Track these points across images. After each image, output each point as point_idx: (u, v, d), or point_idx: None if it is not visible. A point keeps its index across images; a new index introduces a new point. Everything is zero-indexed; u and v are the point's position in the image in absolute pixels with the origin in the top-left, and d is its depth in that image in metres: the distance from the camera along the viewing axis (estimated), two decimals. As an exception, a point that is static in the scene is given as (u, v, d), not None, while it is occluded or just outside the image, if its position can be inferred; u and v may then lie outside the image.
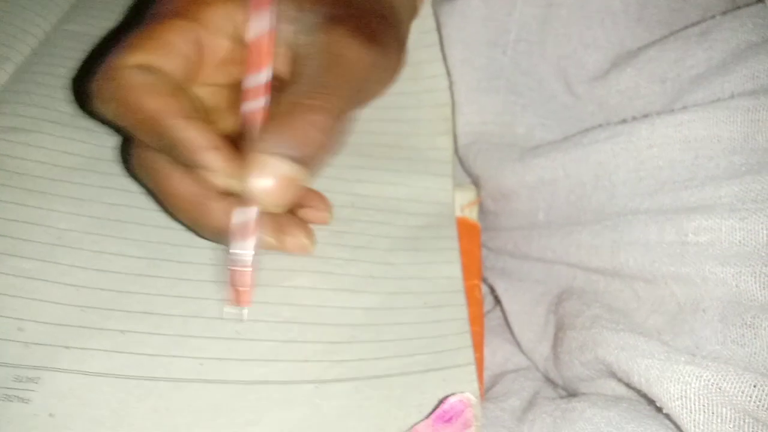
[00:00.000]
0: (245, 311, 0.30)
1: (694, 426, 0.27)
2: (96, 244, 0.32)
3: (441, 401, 0.28)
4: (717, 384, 0.27)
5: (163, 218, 0.34)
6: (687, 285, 0.31)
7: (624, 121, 0.35)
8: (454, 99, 0.42)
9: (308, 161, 0.28)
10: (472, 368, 0.30)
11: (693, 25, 0.36)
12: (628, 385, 0.31)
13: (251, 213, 0.29)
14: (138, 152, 0.31)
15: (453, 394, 0.28)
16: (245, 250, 0.29)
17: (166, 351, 0.29)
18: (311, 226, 0.35)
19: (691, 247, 0.30)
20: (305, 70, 0.30)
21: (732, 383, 0.27)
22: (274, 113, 0.29)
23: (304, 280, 0.33)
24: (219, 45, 0.31)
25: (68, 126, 0.37)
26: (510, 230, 0.41)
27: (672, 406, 0.28)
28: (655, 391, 0.28)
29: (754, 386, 0.27)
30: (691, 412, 0.28)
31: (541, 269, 0.38)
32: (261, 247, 0.31)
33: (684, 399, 0.28)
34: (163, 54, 0.29)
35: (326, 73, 0.29)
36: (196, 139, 0.28)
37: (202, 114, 0.30)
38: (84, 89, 0.30)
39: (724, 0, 0.37)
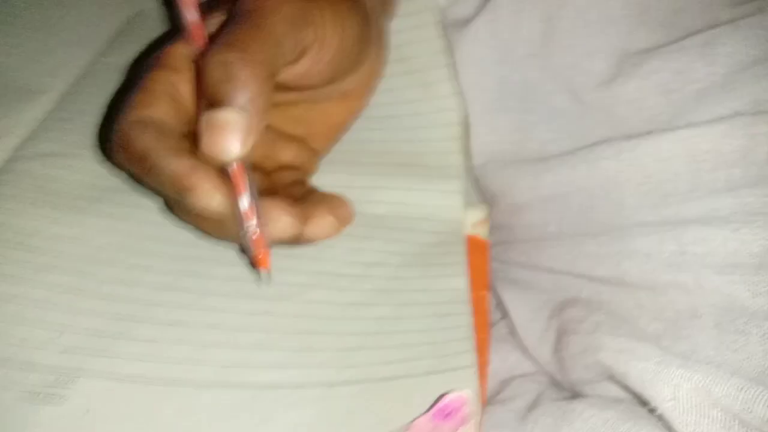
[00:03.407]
0: (266, 274, 0.32)
1: (685, 426, 0.29)
2: (128, 259, 0.35)
3: (439, 398, 0.29)
4: (706, 387, 0.28)
5: (190, 236, 0.36)
6: (685, 293, 0.32)
7: (629, 136, 0.37)
8: (468, 121, 0.44)
9: (244, 104, 0.29)
10: (473, 370, 0.31)
11: (696, 33, 0.37)
12: (626, 388, 0.32)
13: (239, 180, 0.30)
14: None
15: (451, 391, 0.30)
16: (248, 220, 0.30)
17: (190, 358, 0.31)
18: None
19: (689, 256, 0.32)
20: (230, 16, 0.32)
21: (720, 386, 0.28)
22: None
23: (319, 295, 0.35)
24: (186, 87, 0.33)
25: None
26: (522, 242, 0.42)
27: (664, 407, 0.29)
28: (649, 393, 0.30)
29: (741, 389, 0.28)
30: (681, 413, 0.29)
31: (549, 279, 0.39)
32: (280, 235, 0.32)
33: (675, 400, 0.29)
34: (152, 105, 0.32)
35: (245, 17, 0.31)
36: (169, 166, 0.30)
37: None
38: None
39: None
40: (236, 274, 0.35)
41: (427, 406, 0.30)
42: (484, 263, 0.39)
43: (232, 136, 0.29)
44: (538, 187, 0.40)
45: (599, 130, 0.39)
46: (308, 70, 0.35)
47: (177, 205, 0.33)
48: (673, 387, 0.29)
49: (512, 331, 0.40)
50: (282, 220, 0.32)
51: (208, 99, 0.30)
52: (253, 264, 0.32)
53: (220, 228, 0.32)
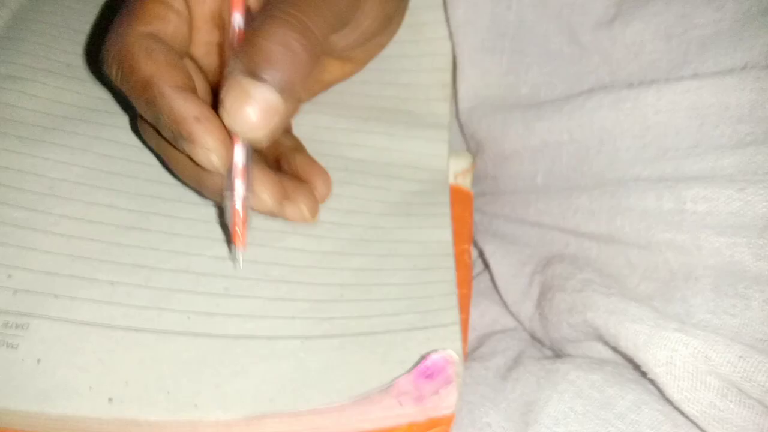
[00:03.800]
0: (239, 253, 0.30)
1: (678, 392, 0.28)
2: (87, 195, 0.32)
3: (423, 357, 0.28)
4: (704, 353, 0.27)
5: (154, 172, 0.34)
6: (681, 253, 0.31)
7: (630, 85, 0.35)
8: (456, 61, 0.41)
9: (286, 86, 0.27)
10: (456, 328, 0.30)
11: None
12: (614, 349, 0.31)
13: (239, 153, 0.28)
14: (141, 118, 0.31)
15: (435, 350, 0.28)
16: (236, 190, 0.28)
17: (154, 304, 0.29)
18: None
19: (688, 215, 0.30)
20: None
21: (719, 353, 0.27)
22: (246, 36, 0.28)
23: (295, 242, 0.33)
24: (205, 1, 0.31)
25: (62, 75, 0.37)
26: (508, 194, 0.40)
27: (657, 372, 0.28)
28: (642, 356, 0.29)
29: (741, 357, 0.27)
30: (676, 379, 0.28)
31: (535, 234, 0.38)
32: (259, 208, 0.31)
33: (670, 365, 0.28)
34: (161, 17, 0.29)
35: None
36: (179, 109, 0.27)
37: (196, 86, 0.30)
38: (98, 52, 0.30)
39: None
40: (204, 215, 0.33)
41: (408, 364, 0.28)
42: (468, 215, 0.38)
43: (263, 118, 0.27)
44: (528, 135, 0.38)
45: (596, 75, 0.37)
46: (340, 39, 0.34)
47: (156, 136, 0.31)
48: (668, 351, 0.28)
49: (493, 286, 0.39)
50: (262, 196, 0.30)
51: (248, 60, 0.27)
52: (230, 237, 0.30)
53: (199, 180, 0.30)
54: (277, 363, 0.28)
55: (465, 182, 0.40)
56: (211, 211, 0.33)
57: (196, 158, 0.28)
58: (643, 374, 0.29)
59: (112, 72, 0.29)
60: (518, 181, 0.40)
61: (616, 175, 0.34)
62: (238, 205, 0.29)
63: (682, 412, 0.28)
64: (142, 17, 0.29)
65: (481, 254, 0.40)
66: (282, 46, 0.27)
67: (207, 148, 0.27)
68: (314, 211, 0.33)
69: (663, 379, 0.28)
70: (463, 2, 0.41)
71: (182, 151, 0.29)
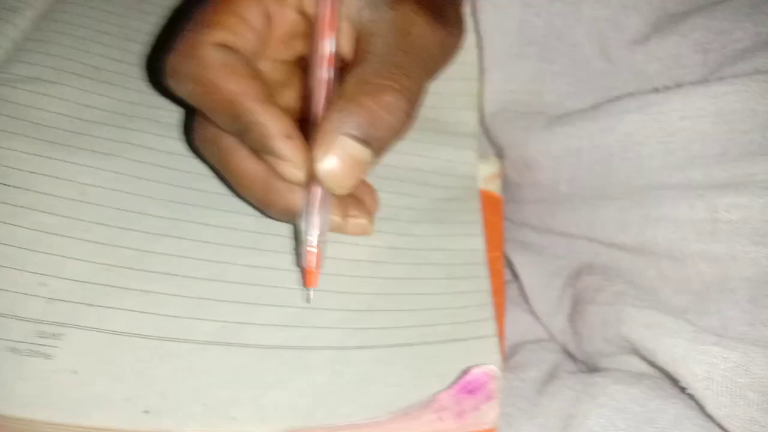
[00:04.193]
0: (311, 292, 0.30)
1: (718, 408, 0.27)
2: (118, 201, 0.32)
3: (464, 372, 0.28)
4: (744, 366, 0.27)
5: (185, 178, 0.34)
6: (716, 263, 0.30)
7: (656, 90, 0.34)
8: (482, 66, 0.41)
9: (378, 143, 0.27)
10: (495, 340, 0.30)
11: None
12: (651, 363, 0.31)
13: (318, 195, 0.28)
14: (203, 128, 0.30)
15: (477, 365, 0.28)
16: (312, 230, 0.28)
17: (188, 313, 0.29)
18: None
19: (722, 224, 0.30)
20: (373, 48, 0.28)
21: (760, 366, 0.27)
22: (342, 91, 0.27)
23: (327, 250, 0.33)
24: (286, 17, 0.30)
25: (90, 78, 0.37)
26: (533, 203, 0.40)
27: (696, 387, 0.28)
28: (680, 371, 0.28)
29: None
30: (715, 394, 0.27)
31: (563, 244, 0.38)
32: (328, 229, 0.30)
33: (709, 380, 0.27)
34: (238, 30, 0.28)
35: (396, 52, 0.28)
36: (271, 125, 0.27)
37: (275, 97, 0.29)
38: (157, 64, 0.28)
39: None
40: (235, 223, 0.33)
41: (446, 377, 0.28)
42: (499, 222, 0.38)
43: (355, 176, 0.27)
44: (549, 141, 0.38)
45: (625, 87, 0.37)
46: None
47: (219, 151, 0.30)
48: (707, 366, 0.28)
49: (523, 294, 0.38)
50: (334, 218, 0.31)
51: (354, 121, 0.27)
52: (303, 275, 0.30)
53: (267, 198, 0.30)
54: (313, 374, 0.28)
55: (495, 187, 0.40)
56: (242, 219, 0.33)
57: (281, 171, 0.28)
58: (682, 389, 0.29)
59: (184, 87, 0.28)
60: (542, 189, 0.39)
61: (643, 182, 0.33)
62: (314, 241, 0.29)
63: (723, 428, 0.28)
64: (216, 28, 0.28)
65: (510, 264, 0.40)
66: (389, 114, 0.27)
67: (296, 164, 0.28)
68: (372, 221, 0.33)
69: (702, 395, 0.28)
70: (491, 7, 0.40)
71: (250, 166, 0.29)
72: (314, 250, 0.29)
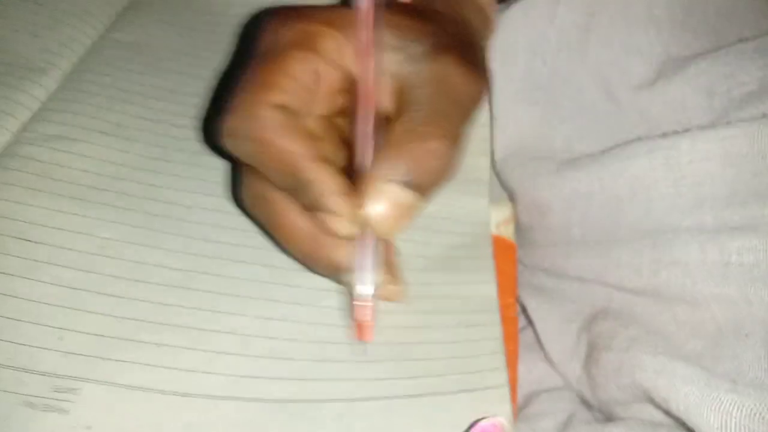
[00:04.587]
0: (368, 346, 0.30)
1: (735, 457, 0.27)
2: (137, 255, 0.33)
3: (473, 424, 0.28)
4: (760, 413, 0.27)
5: (202, 230, 0.34)
6: (729, 308, 0.30)
7: (665, 134, 0.35)
8: (491, 112, 0.42)
9: (425, 188, 0.28)
10: (505, 390, 0.30)
11: (747, 39, 0.35)
12: (666, 412, 0.30)
13: (370, 246, 0.29)
14: (253, 185, 0.31)
15: (485, 417, 0.28)
16: (365, 284, 0.29)
17: (201, 367, 0.29)
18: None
19: (734, 267, 0.30)
20: (416, 99, 0.29)
21: None
22: (390, 140, 0.28)
23: (337, 301, 0.33)
24: (333, 75, 0.30)
25: (112, 135, 0.38)
26: (546, 247, 0.40)
27: (712, 436, 0.27)
28: (695, 420, 0.28)
29: None
30: (731, 443, 0.27)
31: (577, 288, 0.37)
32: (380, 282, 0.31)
33: (724, 429, 0.27)
34: (292, 90, 0.29)
35: (440, 100, 0.29)
36: (326, 183, 0.28)
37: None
38: (211, 125, 0.29)
39: None
40: (251, 275, 0.33)
41: (456, 428, 0.28)
42: (512, 268, 0.38)
43: (403, 223, 0.28)
44: (559, 184, 0.38)
45: (632, 130, 0.37)
46: None
47: (269, 207, 0.31)
48: (722, 414, 0.27)
49: (538, 340, 0.38)
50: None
51: (403, 169, 0.28)
52: (356, 327, 0.30)
53: (316, 254, 0.30)
54: (322, 428, 0.28)
55: (507, 232, 0.40)
56: (256, 270, 0.33)
57: (332, 226, 0.29)
58: (698, 438, 0.28)
59: (243, 147, 0.29)
60: (554, 233, 0.39)
61: (653, 226, 0.33)
62: (369, 294, 0.29)
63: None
64: (273, 89, 0.28)
65: (524, 309, 0.40)
66: (435, 159, 0.28)
67: (350, 220, 0.28)
68: (404, 287, 0.34)
69: (718, 444, 0.27)
70: (499, 53, 0.41)
71: (299, 223, 0.30)
72: (369, 303, 0.29)
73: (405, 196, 0.27)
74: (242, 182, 0.31)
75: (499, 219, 0.40)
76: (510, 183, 0.42)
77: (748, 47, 0.34)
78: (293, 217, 0.30)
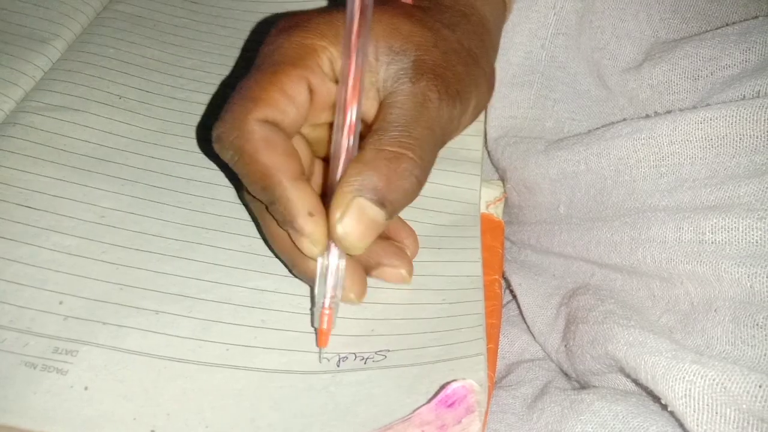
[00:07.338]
0: (321, 351, 0.31)
1: (697, 425, 0.28)
2: (136, 225, 0.34)
3: (443, 386, 0.29)
4: (722, 383, 0.28)
5: (200, 203, 0.36)
6: (702, 284, 0.31)
7: (647, 116, 0.35)
8: None
9: (391, 206, 0.29)
10: (481, 358, 0.31)
11: (733, 23, 0.36)
12: (635, 381, 0.31)
13: (333, 258, 0.30)
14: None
15: (455, 380, 0.29)
16: (324, 294, 0.30)
17: (196, 334, 0.30)
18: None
19: (707, 245, 0.31)
20: (392, 118, 0.30)
21: (737, 383, 0.27)
22: (361, 156, 0.29)
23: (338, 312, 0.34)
24: (327, 89, 0.31)
25: (114, 107, 0.39)
26: (533, 224, 0.41)
27: (676, 404, 0.28)
28: (661, 389, 0.29)
29: (760, 386, 0.27)
30: (694, 411, 0.28)
31: (561, 264, 0.39)
32: (345, 301, 0.32)
33: (688, 398, 0.28)
34: (282, 107, 0.30)
35: (413, 124, 0.30)
36: (296, 202, 0.29)
37: (306, 169, 0.31)
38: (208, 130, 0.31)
39: None
40: (245, 246, 0.34)
41: (431, 394, 0.29)
42: (499, 245, 0.38)
43: (371, 236, 0.29)
44: (547, 165, 0.39)
45: (621, 113, 0.38)
46: None
47: (261, 210, 0.32)
48: (686, 383, 0.28)
49: (521, 314, 0.40)
50: (350, 296, 0.32)
51: (372, 186, 0.28)
52: (316, 335, 0.31)
53: (293, 260, 0.31)
54: (308, 397, 0.29)
55: (496, 211, 0.41)
56: (251, 242, 0.34)
57: (299, 246, 0.30)
58: (665, 406, 0.30)
59: (227, 155, 0.30)
60: (542, 211, 0.40)
61: (635, 205, 0.35)
62: (327, 303, 0.30)
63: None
64: (262, 104, 0.29)
65: (509, 284, 0.41)
66: (404, 180, 0.29)
67: (313, 241, 0.29)
68: (411, 272, 0.34)
69: (682, 412, 0.28)
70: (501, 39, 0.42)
71: (280, 230, 0.31)
72: (326, 312, 0.30)
73: (371, 211, 0.28)
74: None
75: (489, 198, 0.41)
76: (501, 162, 0.43)
77: (733, 30, 0.35)
78: (275, 224, 0.31)
